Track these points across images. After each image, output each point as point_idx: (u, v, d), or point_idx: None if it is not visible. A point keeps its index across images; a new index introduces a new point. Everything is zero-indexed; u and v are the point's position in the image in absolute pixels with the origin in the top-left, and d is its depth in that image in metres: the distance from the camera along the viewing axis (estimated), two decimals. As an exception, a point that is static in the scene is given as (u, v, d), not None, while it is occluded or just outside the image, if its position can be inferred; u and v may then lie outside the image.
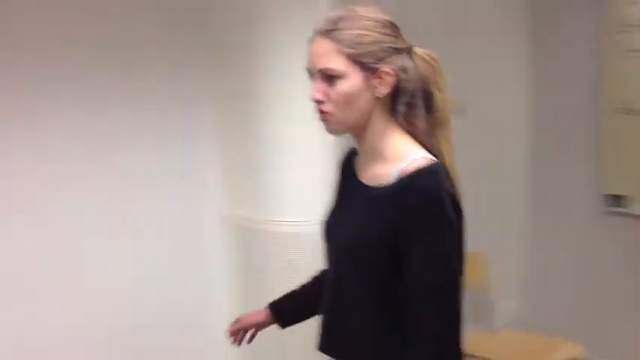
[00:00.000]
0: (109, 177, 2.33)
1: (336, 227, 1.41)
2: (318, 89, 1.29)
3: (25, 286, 2.20)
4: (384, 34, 1.28)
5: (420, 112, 1.31)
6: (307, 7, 2.19)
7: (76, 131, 2.26)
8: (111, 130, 2.33)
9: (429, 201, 1.22)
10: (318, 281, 1.53)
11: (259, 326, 1.64)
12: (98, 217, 2.32)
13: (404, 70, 1.29)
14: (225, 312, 2.30)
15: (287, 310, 1.62)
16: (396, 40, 1.30)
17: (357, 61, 1.26)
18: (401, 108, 1.31)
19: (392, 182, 1.26)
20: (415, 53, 1.32)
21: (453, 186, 1.28)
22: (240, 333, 1.65)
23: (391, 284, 1.27)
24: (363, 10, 1.29)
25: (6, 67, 2.12)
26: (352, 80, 1.26)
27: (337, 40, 1.26)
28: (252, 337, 1.66)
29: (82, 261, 2.30)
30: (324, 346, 1.43)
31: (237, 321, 1.67)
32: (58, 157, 2.24)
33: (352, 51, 1.25)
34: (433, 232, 1.22)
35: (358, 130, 1.32)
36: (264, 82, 2.32)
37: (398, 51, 1.29)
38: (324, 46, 1.27)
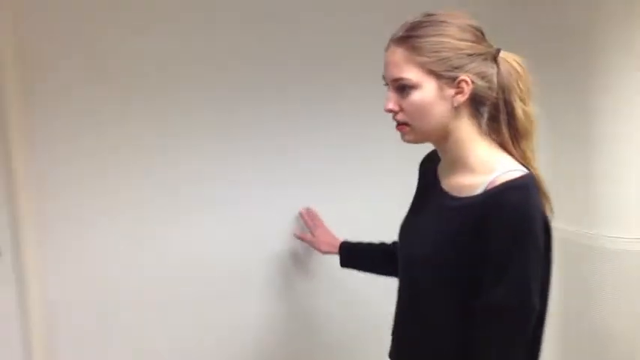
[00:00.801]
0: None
1: (411, 234, 1.35)
2: (390, 99, 1.24)
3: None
4: (462, 39, 1.20)
5: (503, 120, 1.23)
6: None
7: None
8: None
9: (516, 217, 1.11)
10: (390, 248, 1.54)
11: (322, 246, 1.78)
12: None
13: (483, 76, 1.21)
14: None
15: (351, 257, 1.71)
16: (477, 45, 1.21)
17: (431, 70, 1.19)
18: (484, 116, 1.24)
19: (478, 194, 1.17)
20: (501, 58, 1.23)
21: (545, 201, 1.19)
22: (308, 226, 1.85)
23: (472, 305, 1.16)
24: (442, 16, 1.22)
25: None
26: (425, 90, 1.20)
27: (411, 49, 1.20)
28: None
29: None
30: (393, 355, 1.37)
31: (313, 233, 1.82)
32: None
33: (426, 60, 1.19)
34: (515, 250, 1.11)
35: (439, 139, 1.26)
36: (601, 80, 2.04)
37: (477, 57, 1.20)
38: (398, 54, 1.21)
